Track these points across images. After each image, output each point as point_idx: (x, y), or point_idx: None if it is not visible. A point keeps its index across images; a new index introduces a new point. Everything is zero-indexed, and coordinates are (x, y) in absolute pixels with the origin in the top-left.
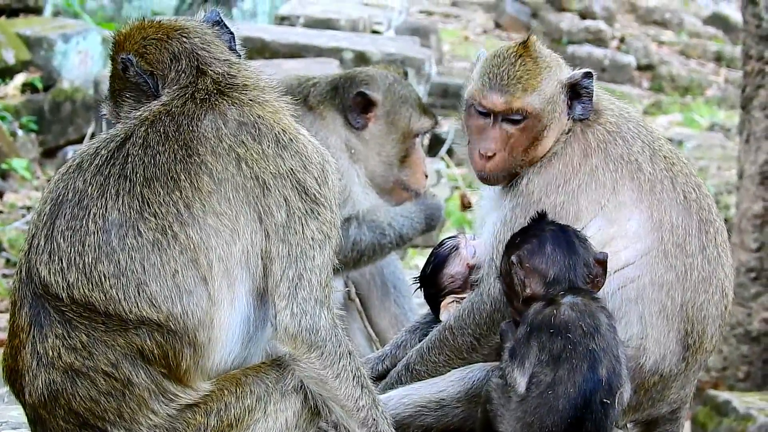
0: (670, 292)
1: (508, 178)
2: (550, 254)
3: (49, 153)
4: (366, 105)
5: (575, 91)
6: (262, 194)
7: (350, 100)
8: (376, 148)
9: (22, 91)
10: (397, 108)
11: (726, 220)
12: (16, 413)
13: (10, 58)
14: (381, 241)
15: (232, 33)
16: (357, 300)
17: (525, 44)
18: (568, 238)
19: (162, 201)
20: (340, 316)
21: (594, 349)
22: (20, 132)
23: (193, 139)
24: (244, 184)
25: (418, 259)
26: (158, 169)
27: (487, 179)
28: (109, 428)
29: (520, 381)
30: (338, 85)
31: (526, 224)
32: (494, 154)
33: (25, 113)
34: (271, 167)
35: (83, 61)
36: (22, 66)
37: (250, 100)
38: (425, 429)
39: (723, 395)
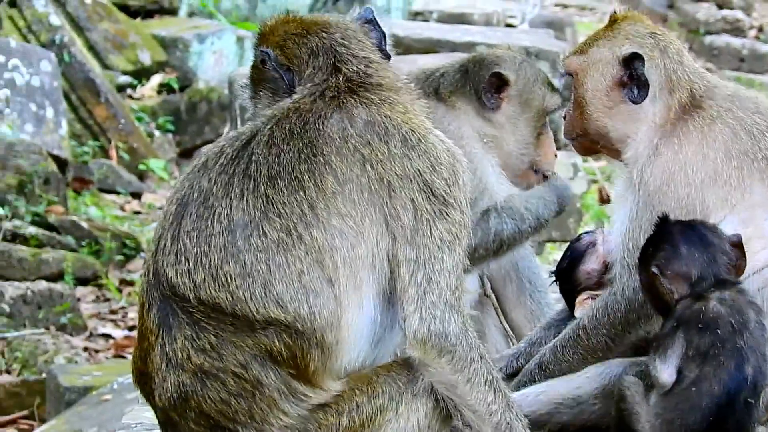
0: None
1: (585, 148)
2: (687, 254)
3: (185, 153)
4: (499, 85)
5: (631, 72)
6: (388, 196)
7: (485, 81)
8: (511, 128)
9: (159, 92)
10: (530, 86)
11: None
12: (150, 414)
13: (146, 59)
14: (521, 227)
15: (383, 32)
16: (493, 296)
17: (612, 17)
18: (698, 233)
19: (286, 201)
20: (473, 317)
21: (741, 346)
22: (157, 133)
23: (319, 138)
24: (369, 185)
25: (556, 254)
26: (282, 169)
27: (571, 143)
28: (240, 430)
29: (663, 373)
30: (468, 70)
31: (652, 231)
32: (565, 115)
33: (161, 114)
34: (397, 168)
35: (218, 60)
36: (158, 67)
37: (381, 100)
38: (561, 426)
39: None
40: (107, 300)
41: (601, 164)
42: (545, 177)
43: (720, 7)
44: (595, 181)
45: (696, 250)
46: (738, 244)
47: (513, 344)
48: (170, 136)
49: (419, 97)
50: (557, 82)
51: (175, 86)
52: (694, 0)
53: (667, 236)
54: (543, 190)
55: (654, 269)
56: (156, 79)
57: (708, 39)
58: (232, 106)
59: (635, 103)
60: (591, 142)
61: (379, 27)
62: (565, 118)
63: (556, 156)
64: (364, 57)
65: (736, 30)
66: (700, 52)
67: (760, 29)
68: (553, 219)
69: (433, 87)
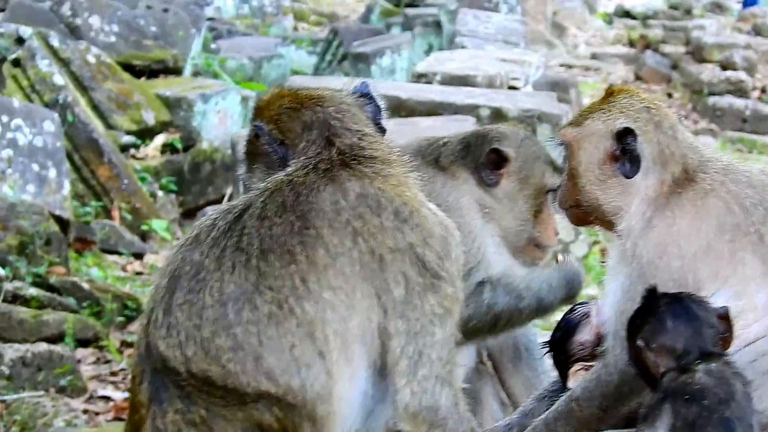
0: None
1: (578, 219)
2: (672, 328)
3: (188, 214)
4: (499, 161)
5: (624, 147)
6: (379, 269)
7: (483, 157)
8: (510, 204)
9: (162, 152)
10: (530, 164)
11: None
12: None
13: (150, 119)
14: (518, 305)
15: (378, 106)
16: (489, 364)
17: (608, 90)
18: (685, 306)
19: (278, 274)
20: (467, 389)
21: (729, 417)
22: (160, 193)
23: (311, 210)
24: (360, 258)
25: (557, 315)
26: (274, 242)
27: (565, 213)
28: None
29: None
30: (470, 143)
31: (640, 303)
32: (560, 185)
33: (164, 174)
34: (389, 241)
35: (222, 120)
36: (162, 127)
37: (374, 173)
38: None
39: None
40: (108, 362)
41: None
42: (546, 251)
43: (723, 68)
44: (596, 242)
45: (681, 323)
46: (725, 317)
47: (510, 411)
48: (173, 196)
49: (413, 170)
50: (556, 148)
51: (179, 146)
52: (697, 61)
53: (653, 310)
54: (551, 274)
55: (639, 342)
56: (159, 139)
57: (711, 100)
58: (236, 167)
59: (627, 177)
60: (584, 213)
61: (375, 100)
62: (559, 187)
63: (557, 233)
64: (357, 130)
65: (740, 91)
66: (703, 112)
67: (763, 90)
68: (564, 304)
69: (434, 156)
